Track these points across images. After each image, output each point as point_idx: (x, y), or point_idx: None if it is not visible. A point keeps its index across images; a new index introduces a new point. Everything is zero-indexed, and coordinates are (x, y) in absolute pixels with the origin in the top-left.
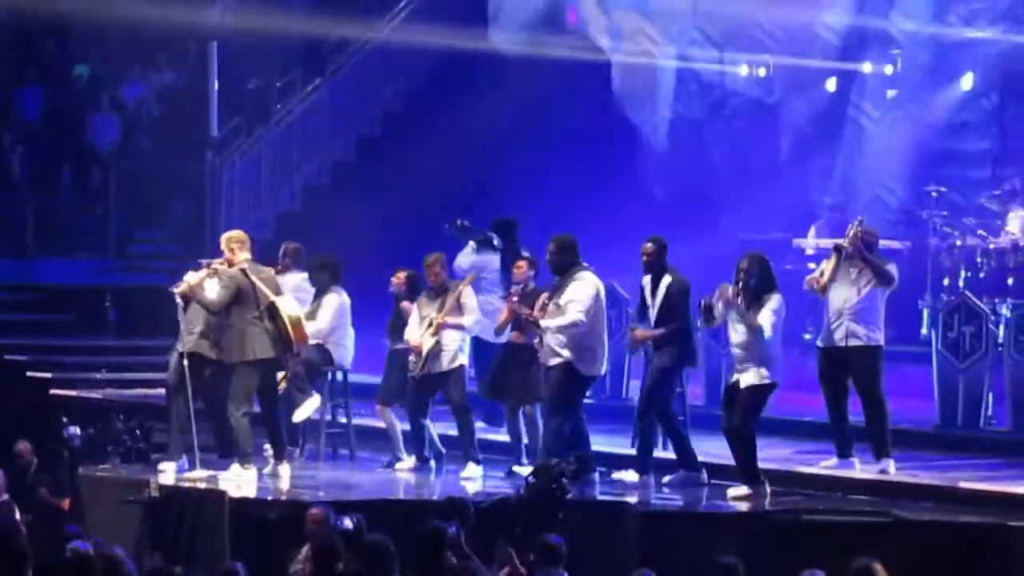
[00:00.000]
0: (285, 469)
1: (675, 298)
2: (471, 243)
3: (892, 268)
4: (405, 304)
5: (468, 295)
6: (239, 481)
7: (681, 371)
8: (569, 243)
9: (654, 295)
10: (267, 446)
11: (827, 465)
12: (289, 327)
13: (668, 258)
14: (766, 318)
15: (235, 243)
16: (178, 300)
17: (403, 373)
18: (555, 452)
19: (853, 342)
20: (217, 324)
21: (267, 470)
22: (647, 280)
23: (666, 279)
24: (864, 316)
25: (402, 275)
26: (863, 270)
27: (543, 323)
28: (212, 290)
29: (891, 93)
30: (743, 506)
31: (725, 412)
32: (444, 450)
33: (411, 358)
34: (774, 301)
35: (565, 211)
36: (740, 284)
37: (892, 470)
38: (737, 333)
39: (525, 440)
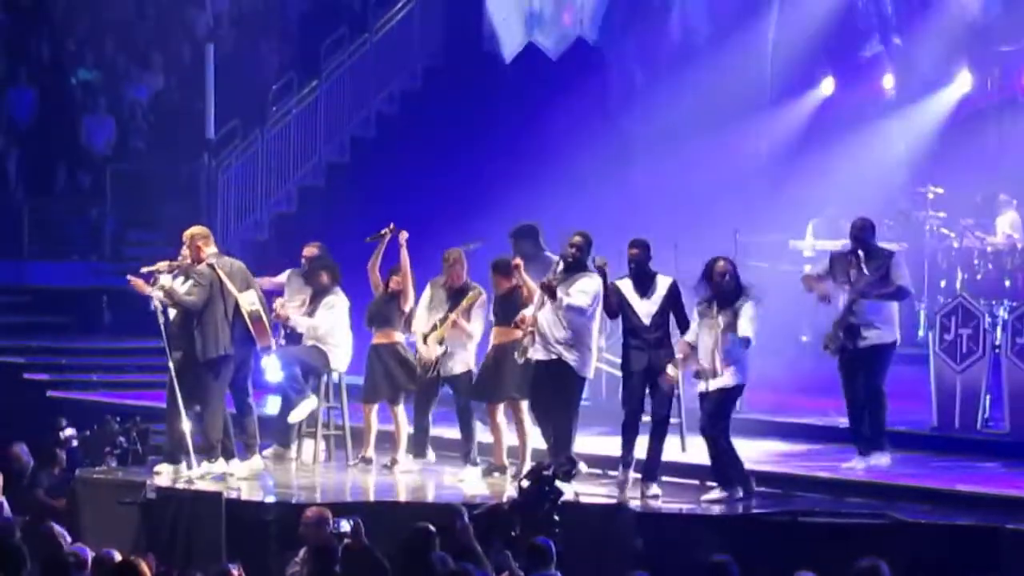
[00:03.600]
0: (257, 462)
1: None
2: None
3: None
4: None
5: (477, 308)
6: (206, 476)
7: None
8: (590, 240)
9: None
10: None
11: (849, 467)
12: (248, 322)
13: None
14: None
15: (200, 239)
16: (157, 305)
17: (384, 369)
18: (563, 452)
19: (861, 343)
20: (194, 322)
21: (240, 470)
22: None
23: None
24: (866, 315)
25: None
26: (861, 268)
27: (559, 294)
28: (185, 289)
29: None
30: (739, 508)
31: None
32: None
33: (417, 358)
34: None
35: (558, 211)
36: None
37: (885, 462)
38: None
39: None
